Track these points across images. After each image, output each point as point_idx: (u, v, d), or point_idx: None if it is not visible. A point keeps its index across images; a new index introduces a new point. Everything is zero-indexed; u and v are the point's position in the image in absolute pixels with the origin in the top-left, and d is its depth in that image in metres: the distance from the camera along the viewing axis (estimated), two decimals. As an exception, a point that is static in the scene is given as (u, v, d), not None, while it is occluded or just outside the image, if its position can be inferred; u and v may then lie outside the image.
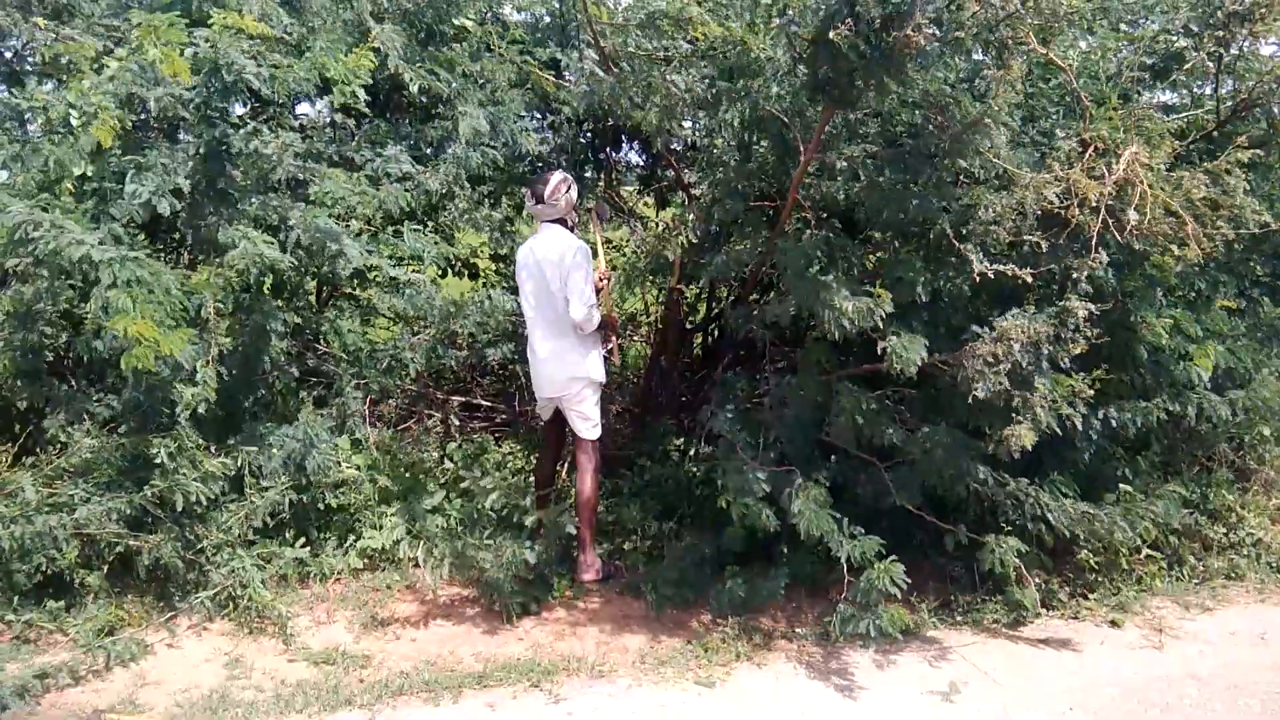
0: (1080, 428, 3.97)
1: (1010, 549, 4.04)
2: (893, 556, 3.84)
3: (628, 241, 6.35)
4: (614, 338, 4.73)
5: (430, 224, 5.44)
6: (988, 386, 3.70)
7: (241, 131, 4.35)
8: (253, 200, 4.39)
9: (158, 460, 3.92)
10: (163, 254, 4.67)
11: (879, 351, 3.82)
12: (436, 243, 5.04)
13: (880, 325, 3.78)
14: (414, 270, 4.99)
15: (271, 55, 4.32)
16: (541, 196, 4.31)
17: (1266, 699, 3.69)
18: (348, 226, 4.63)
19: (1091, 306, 3.78)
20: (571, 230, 4.44)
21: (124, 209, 4.06)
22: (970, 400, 3.76)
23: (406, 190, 4.78)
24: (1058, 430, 3.87)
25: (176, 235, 4.72)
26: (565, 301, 4.27)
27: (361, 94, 4.56)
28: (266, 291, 4.58)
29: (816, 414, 4.35)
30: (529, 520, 4.41)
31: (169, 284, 3.88)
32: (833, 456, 4.33)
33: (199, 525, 4.11)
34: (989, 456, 4.00)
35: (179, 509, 3.95)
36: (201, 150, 4.26)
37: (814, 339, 4.52)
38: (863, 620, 3.84)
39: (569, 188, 4.34)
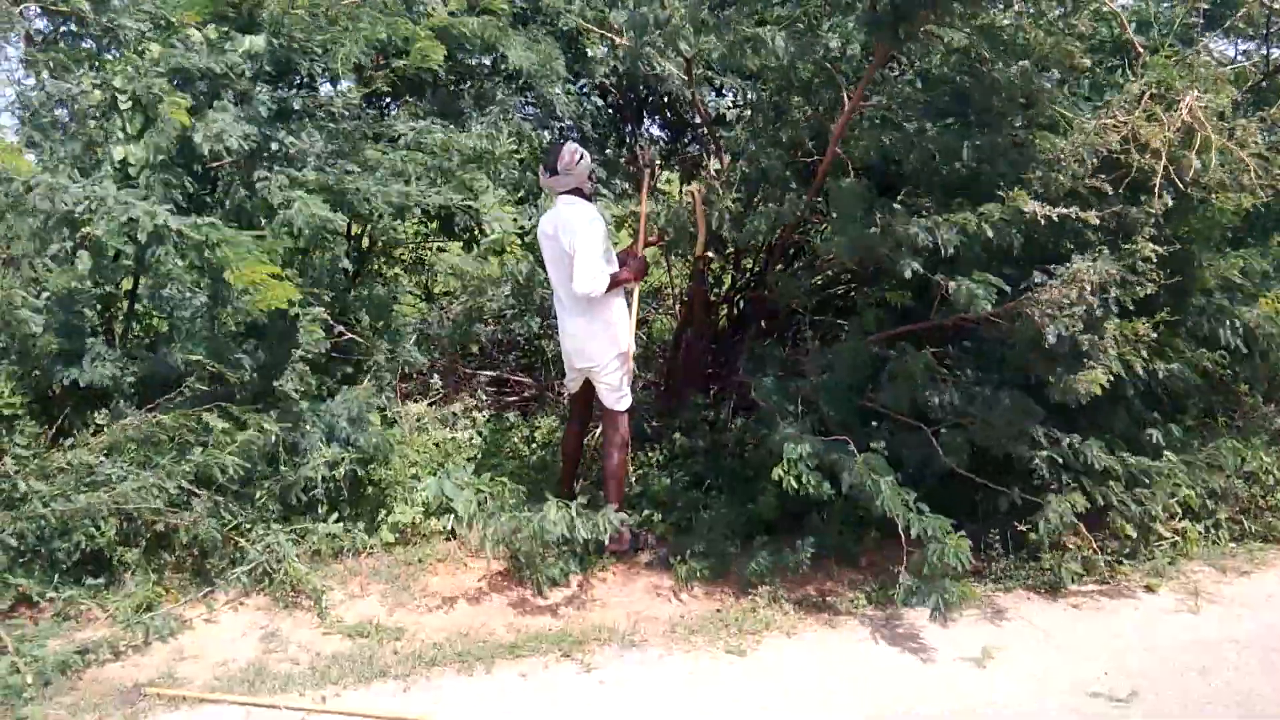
0: (1143, 374, 3.95)
1: (1070, 506, 4.01)
2: (961, 532, 3.81)
3: (659, 215, 6.33)
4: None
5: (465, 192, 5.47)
6: (1059, 330, 3.66)
7: (303, 91, 4.41)
8: (308, 162, 4.43)
9: (211, 435, 4.02)
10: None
11: (945, 299, 3.77)
12: (473, 242, 5.10)
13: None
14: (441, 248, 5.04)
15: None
16: (554, 167, 4.26)
17: (1306, 662, 3.64)
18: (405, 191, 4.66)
19: (1160, 249, 3.72)
20: (589, 199, 4.41)
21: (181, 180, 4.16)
22: (1044, 345, 3.72)
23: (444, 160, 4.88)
24: (1123, 375, 3.85)
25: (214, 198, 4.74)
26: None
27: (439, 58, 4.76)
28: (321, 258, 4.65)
29: (862, 379, 4.32)
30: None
31: (248, 244, 3.94)
32: (873, 423, 4.29)
33: (235, 503, 4.17)
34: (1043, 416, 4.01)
35: (216, 484, 4.02)
36: (262, 111, 4.32)
37: (868, 302, 4.48)
38: (929, 594, 3.81)
39: (581, 157, 4.28)
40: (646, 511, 4.75)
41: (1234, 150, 3.72)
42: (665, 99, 6.00)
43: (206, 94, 4.40)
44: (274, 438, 4.16)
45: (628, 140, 6.48)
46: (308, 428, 4.31)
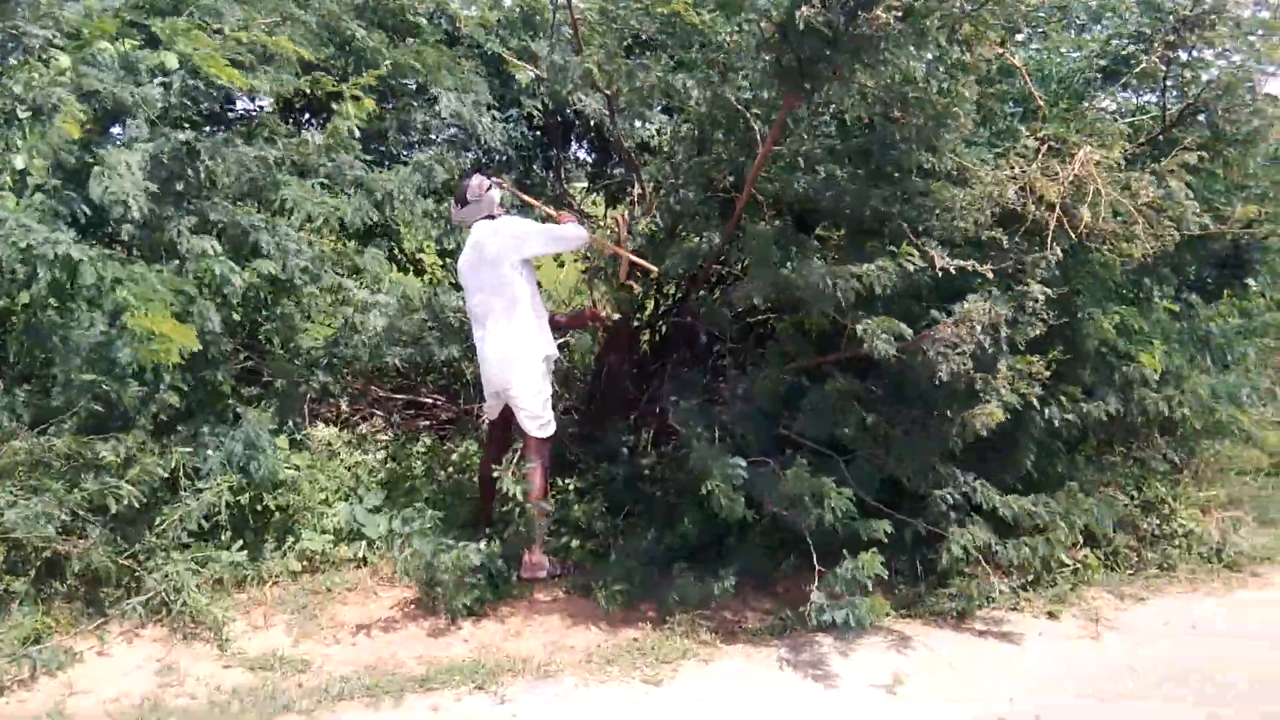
0: (1038, 406, 4.05)
1: (974, 538, 4.13)
2: (871, 551, 3.87)
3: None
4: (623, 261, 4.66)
5: (379, 217, 5.39)
6: (951, 368, 3.76)
7: (213, 138, 4.29)
8: (213, 207, 4.31)
9: (104, 462, 3.82)
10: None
11: (856, 336, 3.84)
12: (392, 260, 5.04)
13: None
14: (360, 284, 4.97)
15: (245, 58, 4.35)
16: (464, 199, 4.38)
17: (1199, 689, 3.77)
18: (310, 242, 4.61)
19: (1049, 290, 3.85)
20: None
21: (73, 207, 3.97)
22: (935, 384, 3.81)
23: (361, 199, 4.81)
24: (1018, 407, 3.96)
25: (109, 233, 4.59)
26: (513, 287, 4.24)
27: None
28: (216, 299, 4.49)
29: (779, 407, 4.37)
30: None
31: (155, 283, 3.81)
32: (788, 451, 4.32)
33: (131, 529, 4.00)
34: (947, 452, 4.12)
35: (112, 512, 3.84)
36: (165, 151, 4.18)
37: (789, 329, 4.54)
38: (839, 610, 3.85)
39: (490, 187, 4.40)
40: (565, 538, 4.71)
41: (1125, 203, 3.88)
42: (592, 123, 6.02)
43: (112, 116, 4.27)
44: (174, 463, 4.00)
45: (554, 164, 6.47)
46: (209, 453, 4.16)
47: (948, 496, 4.18)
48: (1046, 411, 4.25)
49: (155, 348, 3.66)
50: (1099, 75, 4.68)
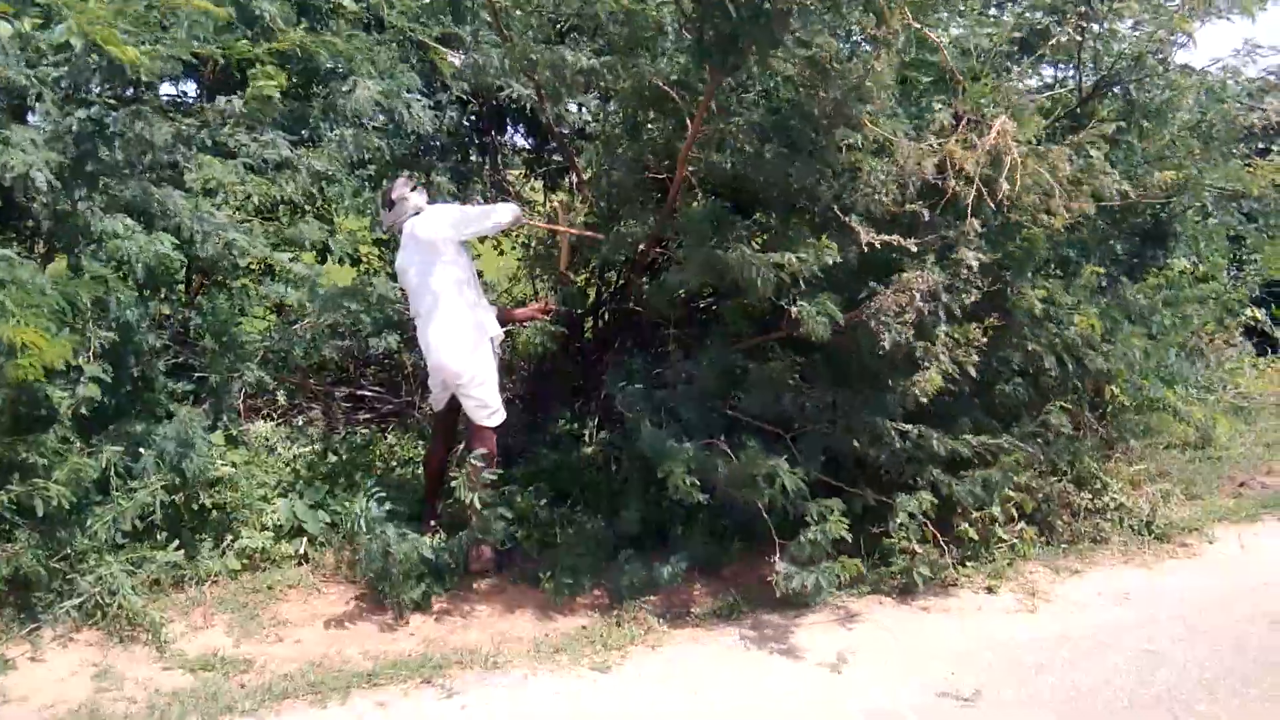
0: (975, 374, 4.13)
1: (922, 502, 4.21)
2: (835, 513, 3.98)
3: (522, 228, 6.27)
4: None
5: (310, 209, 5.28)
6: (894, 337, 3.83)
7: (121, 112, 4.12)
8: (127, 185, 4.15)
9: (29, 463, 3.68)
10: (14, 243, 4.37)
11: (792, 315, 3.88)
12: (325, 230, 4.93)
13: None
14: (293, 258, 4.83)
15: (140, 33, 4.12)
16: (390, 202, 4.41)
17: (1130, 656, 3.90)
18: (230, 216, 4.47)
19: (982, 256, 3.92)
20: None
21: None
22: (879, 354, 3.88)
23: (288, 178, 4.67)
24: (957, 375, 4.03)
25: (30, 224, 4.41)
26: (451, 272, 4.24)
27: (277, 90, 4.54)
28: (131, 284, 4.33)
29: (724, 387, 4.39)
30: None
31: (43, 285, 3.66)
32: (734, 431, 4.33)
33: (62, 530, 3.87)
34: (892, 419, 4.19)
35: (41, 514, 3.71)
36: (73, 129, 4.01)
37: (733, 306, 4.56)
38: (807, 575, 3.92)
39: (414, 186, 4.44)
40: (511, 527, 4.67)
41: (1041, 174, 3.96)
42: (528, 108, 5.96)
43: (14, 102, 4.09)
44: (105, 462, 3.88)
45: (489, 150, 6.39)
46: (142, 451, 4.05)
47: (900, 453, 4.26)
48: (986, 371, 4.33)
49: (21, 362, 3.46)
50: (1015, 49, 4.74)
